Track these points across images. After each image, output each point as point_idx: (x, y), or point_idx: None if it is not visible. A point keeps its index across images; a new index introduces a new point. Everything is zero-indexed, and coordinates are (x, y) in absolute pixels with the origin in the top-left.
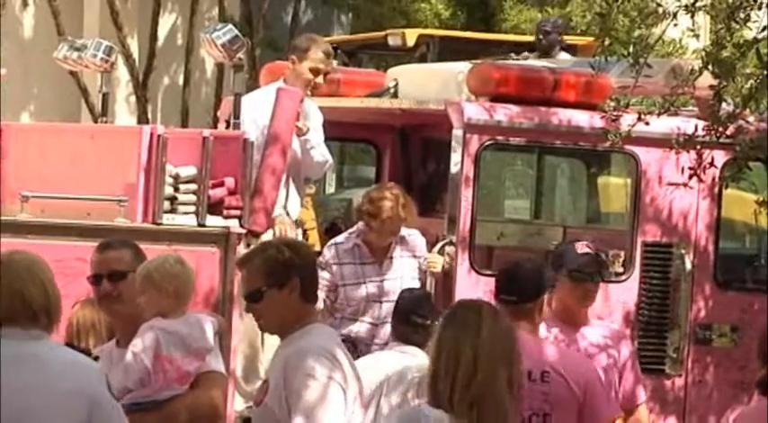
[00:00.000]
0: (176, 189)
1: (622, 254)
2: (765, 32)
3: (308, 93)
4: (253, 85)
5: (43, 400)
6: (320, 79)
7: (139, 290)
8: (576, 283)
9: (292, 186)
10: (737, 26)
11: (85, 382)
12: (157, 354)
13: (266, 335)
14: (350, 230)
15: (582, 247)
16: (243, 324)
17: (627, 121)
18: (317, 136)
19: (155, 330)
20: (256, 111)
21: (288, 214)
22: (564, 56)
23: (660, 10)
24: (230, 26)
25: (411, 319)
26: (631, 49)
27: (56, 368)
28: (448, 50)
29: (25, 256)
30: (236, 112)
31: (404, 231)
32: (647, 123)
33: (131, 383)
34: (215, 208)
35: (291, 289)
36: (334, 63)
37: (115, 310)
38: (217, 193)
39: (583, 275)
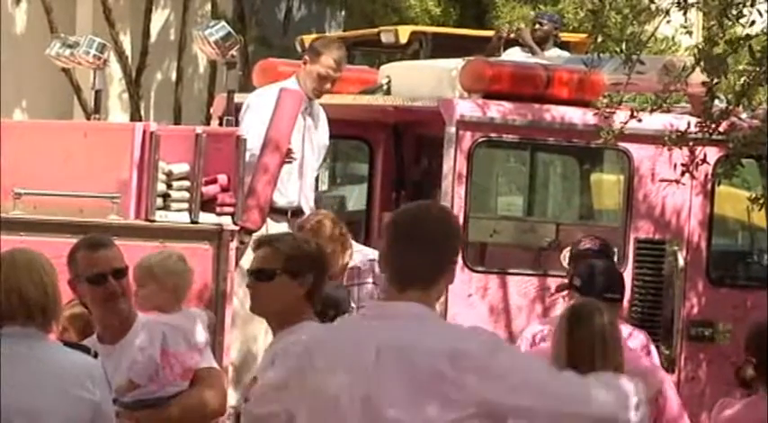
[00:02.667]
0: (169, 186)
1: (615, 250)
2: (757, 29)
3: (315, 95)
4: (245, 82)
5: (38, 400)
6: (328, 85)
7: (138, 283)
8: None
9: (305, 181)
10: (730, 23)
11: (86, 383)
12: (164, 349)
13: (268, 333)
14: None
15: (585, 243)
16: (253, 319)
17: (619, 117)
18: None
19: (160, 326)
20: (263, 110)
21: (301, 209)
22: (557, 51)
23: (653, 7)
24: (223, 23)
25: (326, 311)
26: (624, 46)
27: (52, 368)
28: (441, 47)
29: (27, 254)
30: (229, 109)
31: (362, 257)
32: (640, 120)
33: (139, 379)
34: (208, 205)
35: (302, 283)
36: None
37: (120, 309)
38: (210, 189)
39: None
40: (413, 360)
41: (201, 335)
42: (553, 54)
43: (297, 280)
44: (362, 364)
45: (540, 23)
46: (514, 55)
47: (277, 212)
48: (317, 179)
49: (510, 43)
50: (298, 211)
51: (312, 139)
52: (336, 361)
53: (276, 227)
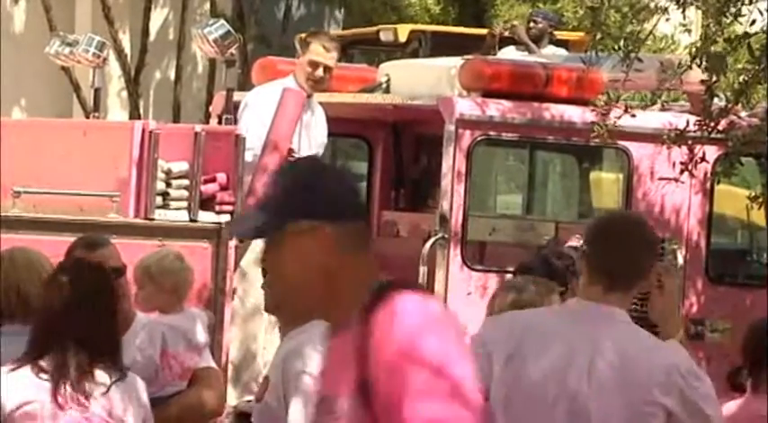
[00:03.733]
0: (168, 184)
1: None
2: (757, 27)
3: (310, 87)
4: (244, 80)
5: None
6: (320, 72)
7: (137, 285)
8: None
9: None
10: (728, 21)
11: None
12: (164, 350)
13: (268, 331)
14: None
15: (572, 241)
16: (252, 318)
17: (617, 116)
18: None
19: (160, 326)
20: (262, 108)
21: None
22: (552, 48)
23: (652, 5)
24: (222, 22)
25: None
26: (623, 44)
27: None
28: (440, 46)
29: (27, 253)
30: (228, 108)
31: None
32: (634, 116)
33: None
34: (207, 203)
35: None
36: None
37: (120, 309)
38: (209, 188)
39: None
40: (630, 373)
41: (201, 335)
42: (549, 52)
43: None
44: (575, 363)
45: (535, 21)
46: (510, 53)
47: None
48: None
49: (506, 42)
50: None
51: (310, 136)
52: (545, 353)
53: None
